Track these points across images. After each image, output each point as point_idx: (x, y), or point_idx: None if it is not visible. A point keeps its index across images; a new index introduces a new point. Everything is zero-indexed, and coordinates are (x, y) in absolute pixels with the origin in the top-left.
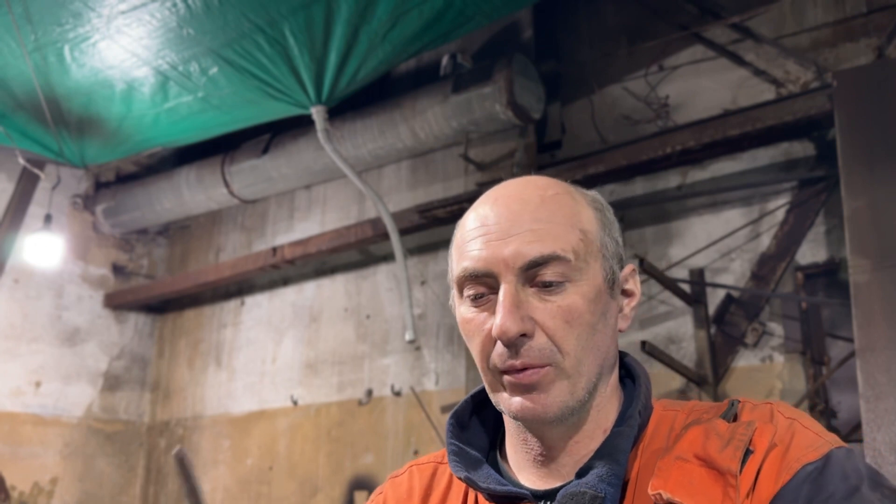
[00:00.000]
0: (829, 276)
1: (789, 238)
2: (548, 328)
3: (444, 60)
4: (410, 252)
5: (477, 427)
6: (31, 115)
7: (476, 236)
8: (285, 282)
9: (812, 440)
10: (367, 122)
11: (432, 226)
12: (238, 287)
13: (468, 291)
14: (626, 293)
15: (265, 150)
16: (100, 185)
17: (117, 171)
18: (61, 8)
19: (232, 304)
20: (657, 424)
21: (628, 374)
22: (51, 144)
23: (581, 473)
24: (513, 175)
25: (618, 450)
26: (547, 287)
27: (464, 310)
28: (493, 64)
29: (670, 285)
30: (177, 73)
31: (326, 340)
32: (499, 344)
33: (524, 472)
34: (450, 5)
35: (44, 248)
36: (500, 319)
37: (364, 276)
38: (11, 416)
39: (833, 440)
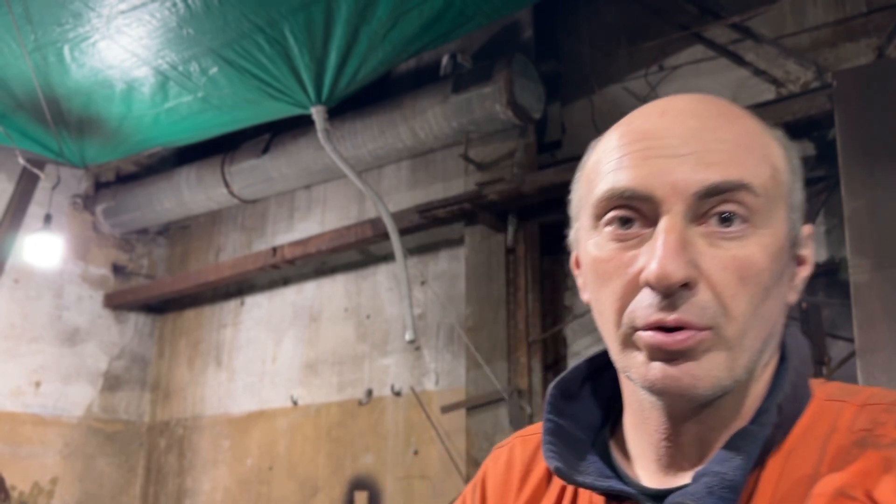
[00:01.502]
0: (829, 276)
1: None
2: (715, 282)
3: (444, 60)
4: (410, 252)
5: (589, 398)
6: (31, 115)
7: (630, 151)
8: (285, 282)
9: None
10: (367, 122)
11: (432, 226)
12: (238, 287)
13: (612, 218)
14: (800, 260)
15: (265, 150)
16: (100, 185)
17: (117, 171)
18: (61, 8)
19: (232, 304)
20: (812, 421)
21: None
22: (51, 144)
23: (698, 477)
24: (513, 175)
25: (738, 457)
26: (723, 227)
27: (599, 244)
28: (493, 64)
29: None
30: (177, 73)
31: (326, 340)
32: (646, 293)
33: (641, 458)
34: (450, 5)
35: (44, 248)
36: (659, 260)
37: (364, 276)
38: (11, 416)
39: None
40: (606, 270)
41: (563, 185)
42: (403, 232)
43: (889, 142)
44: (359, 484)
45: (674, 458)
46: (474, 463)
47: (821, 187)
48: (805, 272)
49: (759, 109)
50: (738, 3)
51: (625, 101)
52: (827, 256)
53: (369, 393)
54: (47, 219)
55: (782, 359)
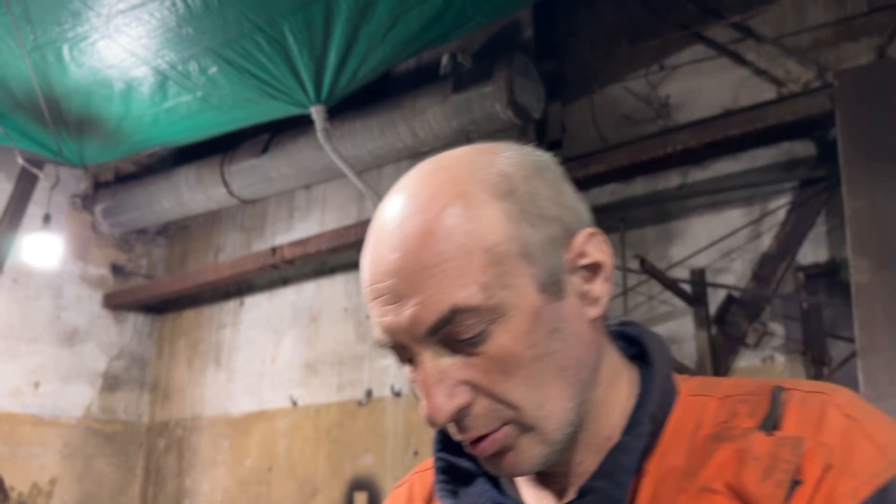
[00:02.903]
0: (831, 277)
1: (790, 238)
2: (486, 388)
3: (444, 60)
4: None
5: None
6: (30, 114)
7: (368, 295)
8: (285, 282)
9: (871, 461)
10: (367, 122)
11: None
12: (237, 287)
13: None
14: (590, 268)
15: (264, 150)
16: (99, 185)
17: (116, 170)
18: (60, 7)
19: (231, 305)
20: (680, 419)
21: (642, 350)
22: (50, 144)
23: (583, 494)
24: None
25: (618, 468)
26: (465, 340)
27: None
28: (493, 64)
29: (671, 285)
30: (176, 73)
31: (326, 341)
32: None
33: (525, 487)
34: (450, 5)
35: (43, 248)
36: (426, 406)
37: None
38: (10, 417)
39: None
40: (416, 388)
41: None
42: None
43: (890, 142)
44: (358, 485)
45: (553, 487)
46: None
47: (822, 187)
48: (605, 272)
49: (760, 109)
50: (739, 3)
51: (625, 101)
52: (828, 256)
53: (369, 393)
54: (46, 219)
55: (647, 360)
